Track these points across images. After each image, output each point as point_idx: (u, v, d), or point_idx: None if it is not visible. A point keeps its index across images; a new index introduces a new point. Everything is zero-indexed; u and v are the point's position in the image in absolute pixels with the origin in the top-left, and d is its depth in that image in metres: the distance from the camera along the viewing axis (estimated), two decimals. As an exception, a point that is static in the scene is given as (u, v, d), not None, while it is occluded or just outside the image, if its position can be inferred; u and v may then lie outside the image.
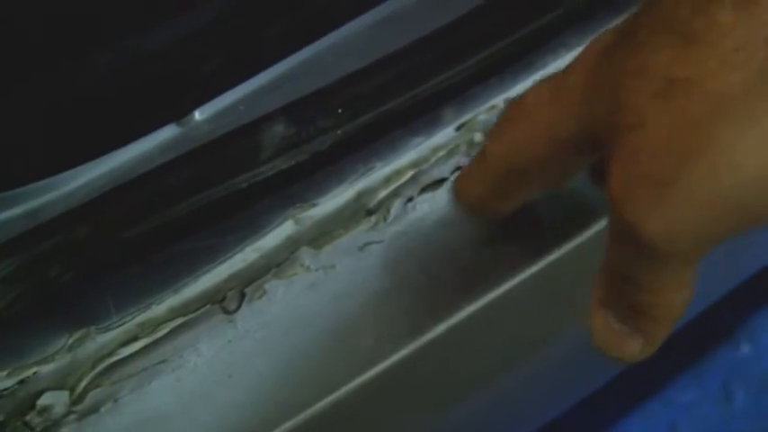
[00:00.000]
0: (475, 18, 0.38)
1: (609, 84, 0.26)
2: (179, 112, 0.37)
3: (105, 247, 0.34)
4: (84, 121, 0.37)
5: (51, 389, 0.33)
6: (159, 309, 0.34)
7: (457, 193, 0.35)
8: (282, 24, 0.38)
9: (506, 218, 0.36)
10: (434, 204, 0.37)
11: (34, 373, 0.33)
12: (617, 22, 0.29)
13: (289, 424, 0.33)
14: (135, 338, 0.34)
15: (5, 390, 0.32)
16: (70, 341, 0.33)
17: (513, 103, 0.31)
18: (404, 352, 0.35)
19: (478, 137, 0.38)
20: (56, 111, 0.37)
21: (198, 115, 0.37)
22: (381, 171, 0.37)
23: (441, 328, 0.36)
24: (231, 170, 0.35)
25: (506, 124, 0.31)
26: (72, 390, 0.33)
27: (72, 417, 0.33)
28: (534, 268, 0.37)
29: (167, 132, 0.37)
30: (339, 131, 0.36)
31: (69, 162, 0.36)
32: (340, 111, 0.36)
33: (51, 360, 0.33)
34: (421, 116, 0.37)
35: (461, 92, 0.38)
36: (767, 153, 0.23)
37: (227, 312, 0.35)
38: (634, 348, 0.29)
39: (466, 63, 0.37)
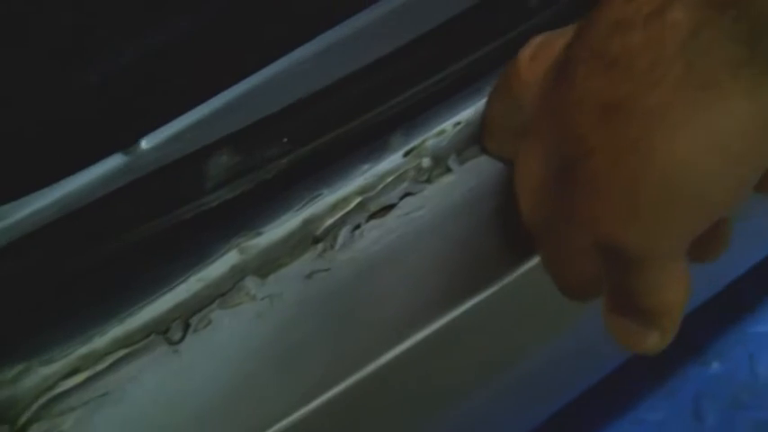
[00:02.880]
0: (422, 44, 0.38)
1: (556, 115, 0.28)
2: (125, 141, 0.36)
3: (48, 278, 0.34)
4: (29, 151, 0.37)
5: (-8, 423, 0.32)
6: (102, 340, 0.34)
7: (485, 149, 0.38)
8: (227, 53, 0.38)
9: (459, 243, 0.36)
10: (382, 231, 0.36)
11: (-26, 407, 0.32)
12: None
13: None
14: (77, 371, 0.33)
15: (-55, 425, 0.32)
16: (11, 375, 0.33)
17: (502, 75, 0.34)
18: (352, 380, 0.35)
19: (427, 162, 0.37)
20: None
21: (144, 144, 0.37)
22: (328, 198, 0.36)
23: (390, 354, 0.36)
24: (176, 200, 0.35)
25: (493, 93, 0.36)
26: (13, 423, 0.32)
27: (13, 451, 0.32)
28: (485, 293, 0.37)
29: (114, 161, 0.36)
30: (285, 160, 0.35)
31: (14, 192, 0.35)
32: (285, 139, 0.36)
33: (-8, 394, 0.33)
34: (368, 143, 0.37)
35: (409, 118, 0.38)
36: (704, 149, 0.24)
37: (172, 343, 0.34)
38: (652, 342, 0.30)
39: (413, 89, 0.37)
